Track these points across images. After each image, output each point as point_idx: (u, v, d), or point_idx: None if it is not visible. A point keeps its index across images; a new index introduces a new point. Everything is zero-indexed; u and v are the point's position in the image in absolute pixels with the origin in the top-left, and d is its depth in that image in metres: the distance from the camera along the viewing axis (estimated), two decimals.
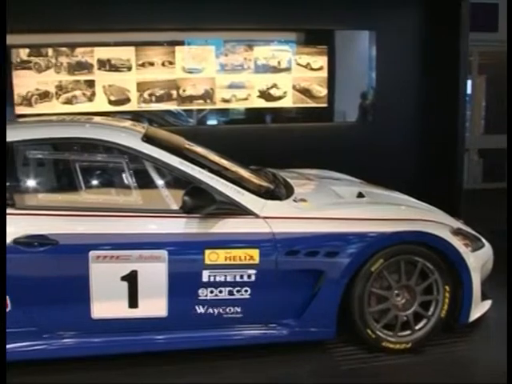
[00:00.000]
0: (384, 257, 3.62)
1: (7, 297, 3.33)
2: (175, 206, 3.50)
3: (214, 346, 3.64)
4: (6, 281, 3.27)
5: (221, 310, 3.53)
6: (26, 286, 3.36)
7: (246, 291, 3.52)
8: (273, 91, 6.90)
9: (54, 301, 3.40)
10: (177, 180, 3.64)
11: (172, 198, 3.53)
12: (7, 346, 3.37)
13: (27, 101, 6.43)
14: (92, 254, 3.33)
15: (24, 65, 6.44)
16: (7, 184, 3.49)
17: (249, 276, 3.49)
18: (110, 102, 6.54)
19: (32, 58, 6.45)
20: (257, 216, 3.55)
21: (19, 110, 6.42)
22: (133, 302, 3.43)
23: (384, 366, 3.63)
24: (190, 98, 6.72)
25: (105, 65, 6.50)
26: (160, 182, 3.61)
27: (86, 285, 3.35)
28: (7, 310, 3.35)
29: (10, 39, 6.45)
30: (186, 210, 3.43)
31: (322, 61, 7.02)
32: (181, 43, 6.82)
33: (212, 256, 3.43)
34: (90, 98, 6.49)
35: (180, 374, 3.55)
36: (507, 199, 4.09)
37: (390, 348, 3.72)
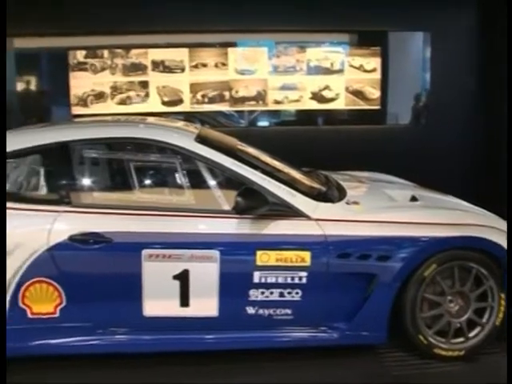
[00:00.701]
0: (437, 262, 3.56)
1: (62, 292, 3.40)
2: (227, 207, 3.51)
3: (262, 348, 3.63)
4: (63, 276, 3.36)
5: (271, 312, 3.53)
6: (81, 282, 3.42)
7: (297, 293, 3.50)
8: (325, 93, 6.87)
9: (107, 297, 3.45)
10: (229, 181, 3.66)
11: (224, 199, 3.54)
12: (63, 340, 3.48)
13: (83, 101, 6.57)
14: (145, 252, 3.37)
15: (80, 66, 6.59)
16: (64, 182, 3.59)
17: (300, 278, 3.48)
18: (164, 103, 6.62)
19: (88, 60, 6.58)
20: (309, 218, 3.53)
21: (75, 110, 6.56)
22: (184, 301, 3.45)
23: (435, 373, 3.57)
24: (243, 100, 6.75)
25: (159, 66, 6.59)
26: (212, 182, 3.63)
27: (139, 282, 3.39)
28: (62, 305, 3.42)
29: (67, 41, 6.63)
30: (239, 211, 3.43)
31: (375, 62, 6.95)
32: (233, 45, 6.85)
33: (263, 257, 3.43)
34: (144, 99, 6.59)
35: (228, 374, 3.57)
36: (507, 199, 4.00)
37: (442, 355, 3.65)
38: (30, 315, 3.43)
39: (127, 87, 6.57)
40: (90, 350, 3.53)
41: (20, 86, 6.89)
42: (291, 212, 3.53)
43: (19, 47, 6.80)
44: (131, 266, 3.38)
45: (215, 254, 3.40)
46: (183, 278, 3.40)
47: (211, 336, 3.57)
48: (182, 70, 6.61)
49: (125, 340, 3.54)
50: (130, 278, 3.40)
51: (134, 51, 6.58)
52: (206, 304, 3.48)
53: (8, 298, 3.38)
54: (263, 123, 7.23)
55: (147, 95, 6.59)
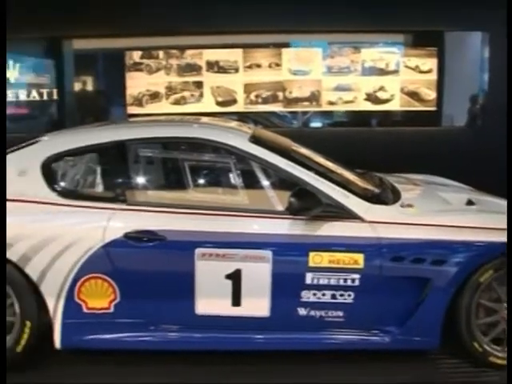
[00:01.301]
0: (494, 267, 3.48)
1: (116, 288, 3.46)
2: (281, 207, 3.51)
3: (312, 349, 3.61)
4: (117, 273, 3.43)
5: (323, 314, 3.51)
6: (135, 278, 3.47)
7: (349, 296, 3.47)
8: (380, 94, 6.81)
9: (160, 295, 3.49)
10: (283, 181, 3.66)
11: (277, 199, 3.54)
12: (116, 335, 3.54)
13: (138, 101, 6.67)
14: (198, 251, 3.39)
15: (136, 67, 6.70)
16: (120, 180, 3.65)
17: (352, 280, 3.45)
18: (218, 103, 6.67)
19: (144, 60, 6.69)
20: (362, 220, 3.49)
21: (131, 109, 6.68)
22: (236, 301, 3.46)
23: (490, 382, 3.49)
24: (296, 100, 6.75)
25: (213, 66, 6.64)
26: (266, 182, 3.63)
27: (191, 281, 3.42)
28: (116, 301, 3.48)
29: (124, 42, 6.74)
30: (292, 212, 3.42)
31: (431, 63, 6.85)
32: (287, 45, 6.85)
33: (316, 258, 3.41)
34: (198, 99, 6.65)
35: (274, 375, 3.56)
36: (507, 199, 3.86)
37: (498, 364, 3.55)
38: (85, 310, 3.50)
39: (182, 87, 6.65)
40: (142, 346, 3.57)
41: (77, 86, 7.05)
42: (345, 214, 3.50)
43: (77, 48, 6.95)
44: (184, 265, 3.41)
45: (268, 254, 3.40)
46: (235, 277, 3.41)
47: (261, 336, 3.56)
48: (236, 70, 6.65)
49: (176, 337, 3.57)
50: (182, 276, 3.43)
51: (188, 52, 6.65)
52: (257, 304, 3.48)
53: (65, 292, 3.46)
54: (316, 124, 7.20)
55: (201, 95, 6.65)
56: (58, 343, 3.55)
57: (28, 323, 3.51)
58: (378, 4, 6.53)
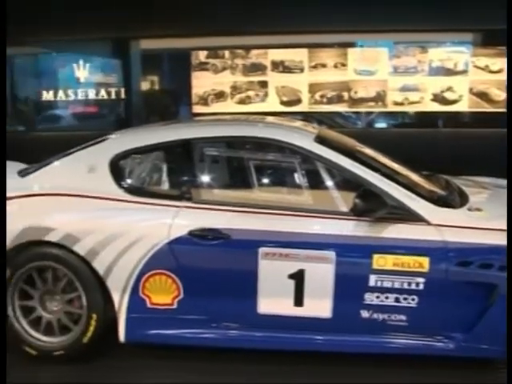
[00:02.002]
0: None
1: (180, 285, 3.51)
2: (345, 208, 3.48)
3: (373, 353, 3.57)
4: (181, 269, 3.47)
5: (385, 317, 3.46)
6: (198, 276, 3.51)
7: (413, 300, 3.41)
8: (447, 94, 6.66)
9: (223, 292, 3.51)
10: (347, 182, 3.62)
11: (342, 200, 3.51)
12: (178, 331, 3.58)
13: (204, 100, 6.75)
14: (262, 250, 3.40)
15: (202, 66, 6.77)
16: (186, 178, 3.70)
17: (417, 284, 3.38)
18: (282, 103, 6.67)
19: (210, 60, 6.76)
20: (428, 223, 3.42)
21: (196, 108, 6.76)
22: (298, 301, 3.45)
23: None
24: (361, 100, 6.68)
25: (278, 66, 6.65)
26: (331, 183, 3.61)
27: (255, 280, 3.43)
28: (179, 297, 3.53)
29: (190, 42, 6.83)
30: (357, 213, 3.39)
31: (501, 62, 6.65)
32: (353, 45, 6.79)
33: (380, 261, 3.37)
34: (263, 99, 6.67)
35: (330, 377, 3.55)
36: (507, 199, 3.71)
37: None
38: (149, 305, 3.56)
39: (247, 87, 6.68)
40: (203, 342, 3.61)
41: (144, 86, 7.17)
42: (410, 216, 3.44)
43: (145, 48, 7.08)
44: (248, 263, 3.43)
45: (331, 255, 3.37)
46: (298, 277, 3.40)
47: (322, 337, 3.54)
48: (302, 70, 6.63)
49: (237, 335, 3.58)
50: (246, 274, 3.45)
51: (254, 51, 6.68)
52: (319, 305, 3.46)
53: (130, 287, 3.53)
54: (381, 125, 7.11)
55: (266, 95, 6.67)
56: (122, 337, 3.63)
57: (94, 316, 3.61)
58: (445, 2, 6.40)
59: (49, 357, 3.72)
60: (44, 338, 3.75)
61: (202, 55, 6.75)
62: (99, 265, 3.52)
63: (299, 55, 6.63)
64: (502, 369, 3.56)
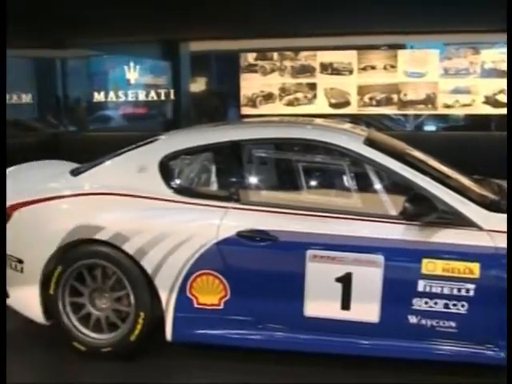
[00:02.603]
0: None
1: (227, 285, 3.52)
2: (394, 212, 3.43)
3: (419, 359, 3.50)
4: (228, 270, 3.49)
5: (434, 323, 3.40)
6: (245, 277, 3.52)
7: (463, 306, 3.34)
8: (500, 97, 6.51)
9: (269, 294, 3.51)
10: (397, 185, 3.57)
11: (391, 203, 3.47)
12: (224, 332, 3.60)
13: (252, 102, 6.77)
14: (309, 252, 3.38)
15: (251, 68, 6.80)
16: (234, 180, 3.72)
17: (467, 290, 3.32)
18: (331, 105, 6.64)
19: (258, 62, 6.78)
20: (480, 228, 3.35)
21: (244, 110, 6.79)
22: (345, 304, 3.42)
23: None
24: (411, 103, 6.60)
25: (327, 68, 6.62)
26: (380, 186, 3.57)
27: (302, 282, 3.42)
28: (226, 298, 3.54)
29: (239, 44, 6.86)
30: (406, 217, 3.35)
31: None
32: (403, 47, 6.71)
33: (429, 266, 3.32)
34: (312, 101, 6.65)
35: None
36: (507, 199, 3.60)
37: None
38: (196, 305, 3.59)
39: (295, 89, 6.68)
40: (248, 343, 3.62)
41: (193, 87, 7.24)
42: (461, 221, 3.37)
43: (194, 50, 7.14)
44: (295, 266, 3.41)
45: (379, 258, 3.34)
46: (346, 280, 3.38)
47: (368, 342, 3.50)
48: (350, 72, 6.59)
49: (283, 337, 3.57)
50: (293, 276, 3.44)
51: (302, 53, 6.67)
52: (367, 309, 3.43)
53: (177, 286, 3.56)
54: (430, 127, 7.01)
55: (315, 97, 6.65)
56: (169, 335, 3.67)
57: (142, 314, 3.65)
58: (498, 1, 6.26)
59: (97, 353, 3.78)
60: (93, 335, 3.82)
61: (250, 57, 6.78)
62: (148, 264, 3.57)
63: (348, 57, 6.59)
64: (502, 371, 3.46)
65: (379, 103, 6.59)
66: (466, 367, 3.46)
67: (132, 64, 7.13)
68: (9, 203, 3.94)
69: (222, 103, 7.18)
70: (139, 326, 3.67)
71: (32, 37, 6.88)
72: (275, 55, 6.71)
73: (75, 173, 4.11)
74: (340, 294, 3.41)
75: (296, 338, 3.56)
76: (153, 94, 7.08)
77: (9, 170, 4.40)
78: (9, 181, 4.23)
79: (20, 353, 4.06)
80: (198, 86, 7.29)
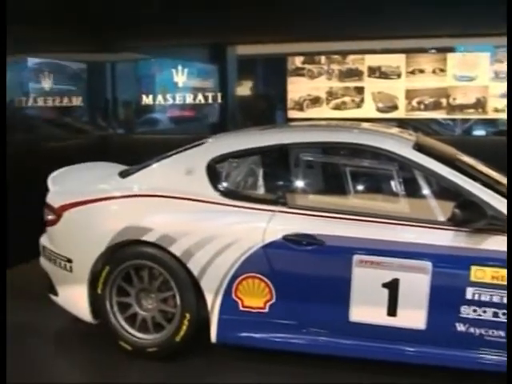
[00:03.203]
0: None
1: (273, 289, 3.52)
2: (442, 218, 3.39)
3: (467, 368, 3.43)
4: (274, 274, 3.49)
5: (482, 332, 3.33)
6: (291, 281, 3.52)
7: None
8: None
9: (315, 298, 3.51)
10: (445, 191, 3.53)
11: (440, 209, 3.42)
12: (268, 335, 3.61)
13: (299, 106, 6.74)
14: (356, 257, 3.37)
15: (298, 72, 6.77)
16: (281, 183, 3.72)
17: None
18: (378, 109, 6.57)
19: (305, 65, 6.75)
20: None
21: (291, 114, 6.76)
22: (391, 310, 3.39)
23: None
24: (460, 107, 6.46)
25: (375, 72, 6.55)
26: (428, 191, 3.53)
27: (348, 287, 3.40)
28: (271, 301, 3.54)
29: (286, 47, 6.85)
30: (455, 223, 3.30)
31: None
32: (452, 50, 6.59)
33: (478, 273, 3.26)
34: (359, 105, 6.59)
35: None
36: (507, 199, 3.43)
37: None
38: (241, 307, 3.61)
39: (343, 92, 6.62)
40: (292, 347, 3.62)
41: (240, 91, 7.26)
42: None
43: (241, 54, 7.16)
44: (341, 270, 3.40)
45: (427, 265, 3.29)
46: (393, 286, 3.35)
47: (414, 349, 3.46)
48: (399, 76, 6.50)
49: (327, 342, 3.56)
50: (339, 281, 3.42)
51: (350, 57, 6.61)
52: (413, 315, 3.39)
53: (223, 289, 3.58)
54: (479, 132, 6.86)
55: (362, 101, 6.58)
56: (213, 337, 3.69)
57: (187, 315, 3.68)
58: None
59: (143, 353, 3.83)
60: (139, 335, 3.87)
61: (297, 60, 6.76)
62: (194, 266, 3.60)
63: (397, 60, 6.49)
64: None
65: (427, 107, 6.48)
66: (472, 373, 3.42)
67: (180, 67, 7.19)
68: (59, 203, 4.04)
69: (269, 106, 7.18)
70: (184, 327, 3.70)
71: (83, 41, 7.02)
72: (323, 59, 6.67)
73: (124, 175, 4.18)
74: (386, 300, 3.38)
75: (340, 343, 3.55)
76: (200, 97, 7.12)
77: (59, 171, 4.51)
78: (59, 182, 4.34)
79: (67, 351, 4.15)
80: (245, 89, 7.31)
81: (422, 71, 6.46)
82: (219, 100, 7.10)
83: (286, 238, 3.46)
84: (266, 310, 3.57)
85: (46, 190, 4.26)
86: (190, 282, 3.65)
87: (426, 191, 3.54)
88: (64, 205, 4.01)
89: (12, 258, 5.53)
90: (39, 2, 6.14)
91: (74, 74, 7.24)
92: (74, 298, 4.02)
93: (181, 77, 7.24)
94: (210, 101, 7.13)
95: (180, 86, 7.24)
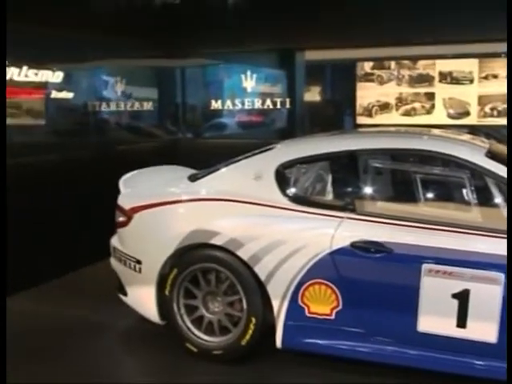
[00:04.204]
0: None
1: (339, 296, 3.50)
2: None
3: None
4: (341, 280, 3.48)
5: None
6: (358, 288, 3.49)
7: None
8: None
9: (382, 307, 3.46)
10: None
11: None
12: (333, 342, 3.58)
13: (368, 111, 6.68)
14: (425, 266, 3.30)
15: (367, 77, 6.72)
16: (350, 189, 3.70)
17: None
18: (449, 116, 6.43)
19: (375, 71, 6.68)
20: None
21: (360, 119, 6.71)
22: (461, 322, 3.31)
23: None
24: None
25: (446, 77, 6.42)
26: (501, 200, 3.42)
27: (416, 296, 3.34)
28: (338, 308, 3.52)
29: (356, 53, 6.80)
30: None
31: None
32: None
33: None
34: (429, 111, 6.47)
35: None
36: (507, 200, 3.30)
37: None
38: (307, 314, 3.59)
39: (412, 98, 6.52)
40: (357, 355, 3.58)
41: (308, 96, 7.24)
42: None
43: (309, 59, 7.16)
44: (410, 279, 3.34)
45: (500, 276, 3.19)
46: (463, 297, 3.26)
47: (483, 363, 3.35)
48: (471, 81, 6.35)
49: (393, 352, 3.51)
50: (407, 290, 3.37)
51: (421, 62, 6.50)
52: (484, 328, 3.29)
53: (289, 294, 3.58)
54: None
55: (433, 107, 6.46)
56: (279, 343, 3.70)
57: (253, 319, 3.70)
58: None
59: (208, 355, 3.87)
60: (205, 337, 3.92)
61: (367, 66, 6.70)
62: (261, 270, 3.61)
63: (469, 65, 6.34)
64: None
65: (501, 114, 6.30)
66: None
67: (248, 73, 7.24)
68: (130, 205, 4.14)
69: (336, 112, 7.15)
70: (250, 331, 3.72)
71: (155, 47, 7.17)
72: (393, 64, 6.59)
73: (193, 178, 4.24)
74: (456, 311, 3.30)
75: (406, 353, 3.49)
76: (269, 102, 7.16)
77: (131, 174, 4.62)
78: (130, 184, 4.44)
79: (133, 350, 4.23)
80: (313, 94, 7.28)
81: (495, 76, 6.29)
82: (287, 105, 7.11)
83: (353, 245, 3.43)
84: (333, 316, 3.55)
85: (118, 192, 4.37)
86: (256, 287, 3.66)
87: (498, 200, 3.44)
88: (134, 207, 4.10)
89: (86, 257, 5.74)
90: (114, 9, 6.34)
91: (146, 79, 7.40)
92: (143, 299, 4.10)
93: (249, 82, 7.29)
94: (279, 106, 7.15)
95: (249, 91, 7.29)
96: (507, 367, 2.90)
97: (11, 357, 3.00)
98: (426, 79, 6.46)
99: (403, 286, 3.39)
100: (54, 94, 5.67)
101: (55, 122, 5.92)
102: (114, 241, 4.38)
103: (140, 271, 4.04)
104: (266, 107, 7.21)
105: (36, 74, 5.40)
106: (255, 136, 7.14)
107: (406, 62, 6.56)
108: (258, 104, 7.24)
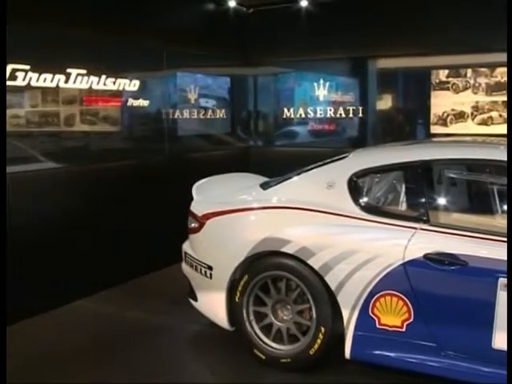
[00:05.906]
0: None
1: (411, 308, 3.43)
2: None
3: None
4: (413, 293, 3.41)
5: None
6: (431, 301, 3.41)
7: None
8: None
9: (455, 321, 3.37)
10: None
11: None
12: (402, 355, 3.51)
13: (442, 120, 6.56)
14: (501, 281, 3.20)
15: (442, 85, 6.59)
16: (424, 200, 3.62)
17: None
18: None
19: (450, 79, 6.55)
20: None
21: (434, 129, 6.59)
22: None
23: None
24: None
25: None
26: None
27: (491, 312, 3.24)
28: (409, 321, 3.45)
29: (430, 61, 6.68)
30: None
31: None
32: None
33: None
34: (507, 120, 6.29)
35: None
36: (507, 200, 3.22)
37: None
38: (377, 325, 3.54)
39: (489, 107, 6.35)
40: (427, 370, 3.49)
41: (380, 105, 7.17)
42: None
43: (382, 67, 7.09)
44: (485, 293, 3.24)
45: None
46: None
47: None
48: None
49: (465, 368, 3.40)
50: (482, 305, 3.27)
51: (499, 69, 6.32)
52: None
53: (360, 305, 3.54)
54: None
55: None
56: (347, 353, 3.66)
57: (322, 329, 3.69)
58: None
59: (275, 363, 3.88)
60: (273, 345, 3.93)
61: (442, 74, 6.57)
62: (332, 280, 3.59)
63: None
64: None
65: None
66: None
67: (320, 81, 7.23)
68: (202, 212, 4.20)
69: (410, 121, 7.04)
70: (319, 341, 3.71)
71: (228, 56, 7.27)
72: (469, 72, 6.44)
73: (265, 186, 4.26)
74: None
75: (480, 370, 3.37)
76: (341, 110, 7.12)
77: (203, 181, 4.69)
78: (203, 191, 4.50)
79: (201, 354, 4.27)
80: (385, 103, 7.20)
81: None
82: (360, 114, 7.06)
83: (427, 257, 3.37)
84: (404, 329, 3.49)
85: (191, 198, 4.44)
86: (326, 296, 3.65)
87: None
88: (207, 213, 4.16)
89: (160, 262, 5.86)
90: (188, 21, 6.47)
91: (219, 88, 7.50)
92: (213, 305, 4.15)
93: (322, 90, 7.28)
94: (351, 115, 7.11)
95: (321, 99, 7.28)
96: (507, 370, 2.77)
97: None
98: (503, 87, 6.27)
99: (478, 301, 3.29)
100: (130, 102, 5.85)
101: (132, 129, 6.12)
102: (186, 246, 4.45)
103: (211, 277, 4.09)
104: (338, 116, 7.18)
105: (114, 83, 5.58)
106: (326, 145, 7.13)
107: (483, 69, 6.40)
108: (329, 112, 7.22)
